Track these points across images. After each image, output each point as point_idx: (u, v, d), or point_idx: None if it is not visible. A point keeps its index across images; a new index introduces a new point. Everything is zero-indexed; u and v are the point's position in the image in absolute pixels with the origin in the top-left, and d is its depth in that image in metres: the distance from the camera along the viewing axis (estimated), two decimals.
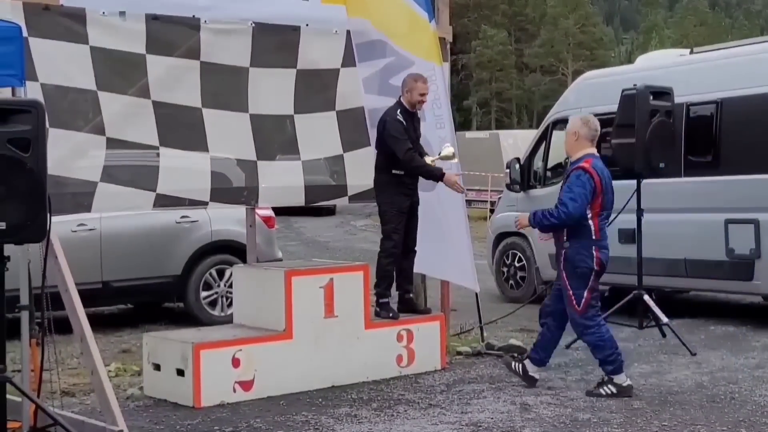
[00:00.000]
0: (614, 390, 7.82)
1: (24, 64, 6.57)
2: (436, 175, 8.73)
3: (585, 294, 7.88)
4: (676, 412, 7.29)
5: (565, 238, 7.91)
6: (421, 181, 9.05)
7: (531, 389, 8.09)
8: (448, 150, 8.88)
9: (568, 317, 8.03)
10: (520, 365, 8.23)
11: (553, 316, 8.14)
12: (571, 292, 7.88)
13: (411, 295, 9.19)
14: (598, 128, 8.15)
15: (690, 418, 7.12)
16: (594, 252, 7.85)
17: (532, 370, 8.21)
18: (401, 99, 8.86)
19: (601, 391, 7.85)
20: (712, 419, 7.07)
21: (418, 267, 9.44)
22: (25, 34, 6.88)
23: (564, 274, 7.93)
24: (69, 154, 7.79)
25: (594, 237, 7.86)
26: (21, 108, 6.00)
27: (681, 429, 6.82)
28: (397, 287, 9.16)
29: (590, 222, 7.83)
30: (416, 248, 9.05)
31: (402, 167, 8.71)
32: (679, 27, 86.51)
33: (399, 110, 8.79)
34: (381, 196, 8.90)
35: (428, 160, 8.82)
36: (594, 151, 8.04)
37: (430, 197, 9.32)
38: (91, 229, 10.98)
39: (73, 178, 7.82)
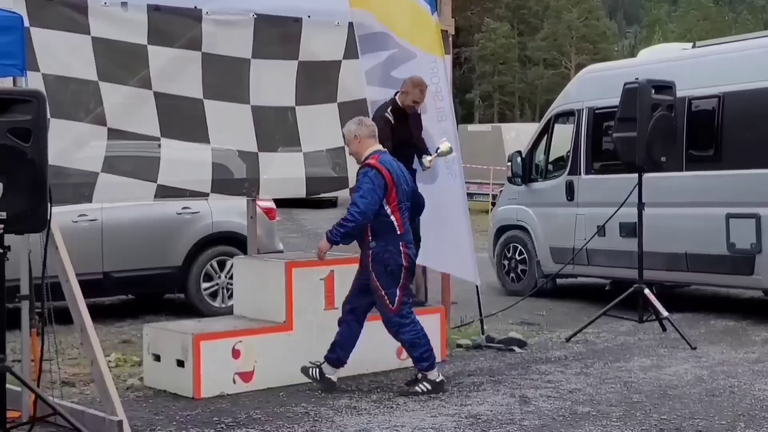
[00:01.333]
0: (429, 387, 7.74)
1: (25, 54, 6.57)
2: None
3: (397, 292, 7.72)
4: (675, 406, 7.29)
5: (370, 238, 7.72)
6: (422, 174, 9.05)
7: (531, 382, 8.10)
8: (444, 146, 8.85)
9: (381, 318, 7.85)
10: (317, 370, 7.88)
11: (353, 313, 7.90)
12: (383, 293, 7.70)
13: (411, 286, 9.17)
14: (374, 125, 8.05)
15: (689, 411, 7.12)
16: (401, 248, 7.72)
17: (330, 372, 7.88)
18: (396, 97, 8.87)
19: (417, 389, 7.75)
20: (712, 413, 7.08)
21: (419, 259, 9.41)
22: (26, 24, 6.89)
23: (373, 275, 7.71)
24: (70, 144, 7.77)
25: (398, 232, 7.73)
26: (22, 98, 6.01)
27: (680, 422, 6.82)
28: None
29: (392, 218, 7.70)
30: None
31: None
32: (683, 21, 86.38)
33: (390, 108, 8.82)
34: None
35: (426, 160, 8.79)
36: (379, 147, 7.91)
37: (432, 190, 9.31)
38: (92, 220, 10.98)
39: (74, 169, 7.81)
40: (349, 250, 8.28)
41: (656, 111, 10.08)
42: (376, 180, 7.63)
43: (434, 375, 7.81)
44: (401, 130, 8.82)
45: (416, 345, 7.81)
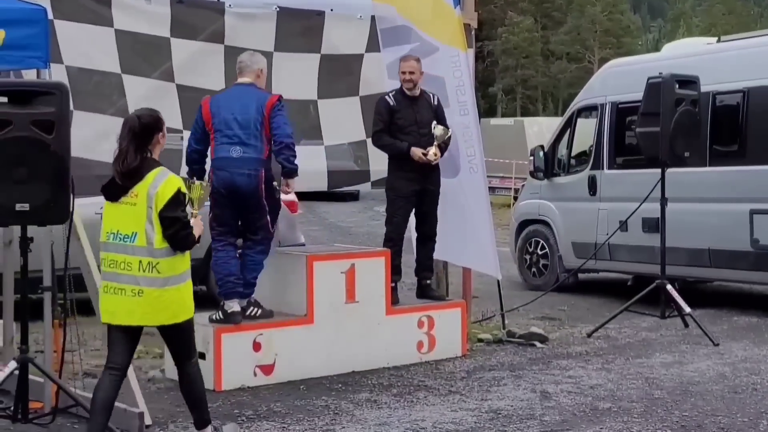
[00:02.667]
0: (221, 316, 7.80)
1: (49, 47, 6.62)
2: (404, 151, 8.71)
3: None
4: (697, 403, 7.26)
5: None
6: (444, 167, 9.03)
7: (551, 377, 8.07)
8: (438, 130, 8.74)
9: None
10: (219, 313, 7.84)
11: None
12: None
13: (428, 281, 9.18)
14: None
15: (711, 408, 7.09)
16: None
17: (228, 306, 7.88)
18: None
19: (212, 316, 7.85)
20: (734, 410, 7.04)
21: (441, 254, 9.43)
22: (50, 16, 6.91)
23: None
24: (93, 136, 7.80)
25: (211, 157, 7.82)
26: (45, 90, 6.05)
27: (702, 419, 6.79)
28: (415, 273, 9.17)
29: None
30: (438, 235, 9.03)
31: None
32: (708, 15, 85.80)
33: (393, 92, 8.83)
34: (387, 181, 8.94)
35: (431, 150, 8.71)
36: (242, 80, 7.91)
37: (453, 184, 9.31)
38: None
39: (96, 161, 7.82)
40: (370, 242, 8.26)
41: (680, 106, 10.02)
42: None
43: (228, 306, 7.82)
44: (402, 113, 8.77)
45: (215, 271, 8.01)
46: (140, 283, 5.54)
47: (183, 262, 5.75)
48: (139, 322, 5.66)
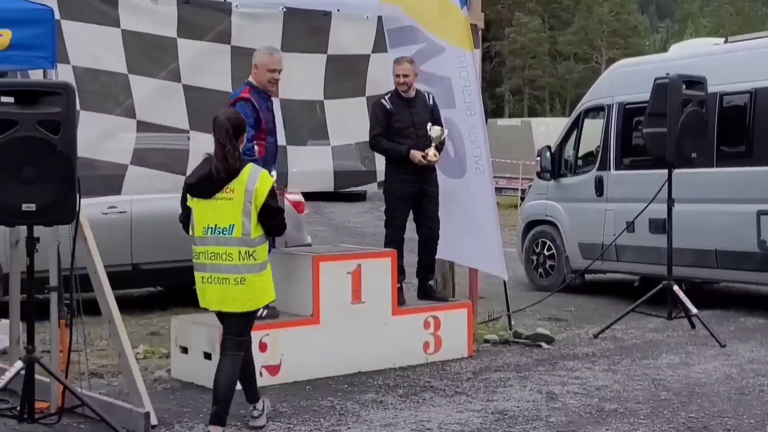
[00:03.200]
0: None
1: (55, 47, 6.62)
2: (403, 154, 8.70)
3: None
4: (703, 404, 7.24)
5: None
6: (449, 168, 9.02)
7: (558, 378, 8.06)
8: (434, 131, 8.73)
9: None
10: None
11: None
12: None
13: (431, 283, 9.17)
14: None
15: (717, 410, 7.07)
16: None
17: None
18: None
19: None
20: (740, 412, 7.02)
21: (447, 254, 9.43)
22: (57, 16, 6.93)
23: None
24: (99, 136, 7.82)
25: None
26: (52, 90, 6.05)
27: (708, 421, 6.78)
28: (416, 275, 9.17)
29: None
30: (443, 236, 9.02)
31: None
32: (715, 16, 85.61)
33: (389, 95, 8.81)
34: (384, 183, 8.98)
35: (430, 152, 8.69)
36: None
37: (460, 184, 9.30)
38: (121, 212, 11.02)
39: (103, 161, 7.86)
40: (377, 242, 8.27)
41: (687, 106, 10.00)
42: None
43: None
44: (399, 115, 8.76)
45: None
46: (241, 271, 6.07)
47: (267, 249, 6.30)
48: (242, 308, 6.20)
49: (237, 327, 6.30)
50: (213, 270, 6.11)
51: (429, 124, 8.76)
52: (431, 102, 8.96)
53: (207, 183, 6.08)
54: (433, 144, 8.72)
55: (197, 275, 6.19)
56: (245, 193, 6.02)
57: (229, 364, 6.29)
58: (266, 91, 8.02)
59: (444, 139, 8.82)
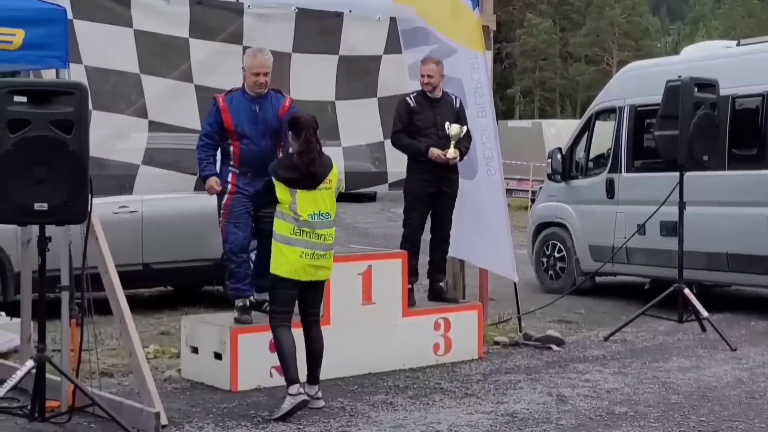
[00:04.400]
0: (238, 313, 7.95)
1: (68, 47, 6.64)
2: (422, 151, 8.70)
3: None
4: (714, 408, 7.22)
5: None
6: (462, 169, 9.01)
7: (568, 381, 8.05)
8: (452, 128, 8.71)
9: None
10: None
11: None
12: None
13: (441, 284, 9.16)
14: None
15: (728, 414, 7.05)
16: None
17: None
18: None
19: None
20: (751, 416, 7.00)
21: (458, 254, 9.41)
22: (69, 16, 6.93)
23: None
24: (111, 136, 7.84)
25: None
26: (64, 90, 6.07)
27: (719, 425, 6.76)
28: (427, 275, 9.17)
29: None
30: (455, 237, 9.02)
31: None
32: (727, 18, 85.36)
33: (415, 93, 8.82)
34: (405, 182, 8.97)
35: (450, 151, 8.68)
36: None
37: (471, 185, 9.29)
38: (132, 212, 11.05)
39: (114, 161, 7.87)
40: (387, 243, 8.24)
41: (699, 109, 9.98)
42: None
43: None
44: (422, 114, 8.76)
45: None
46: (332, 247, 7.20)
47: None
48: (327, 276, 7.26)
49: (321, 294, 7.38)
50: (320, 248, 7.03)
51: (447, 123, 8.75)
52: (458, 105, 8.97)
53: (310, 177, 6.98)
54: (452, 142, 8.71)
55: (295, 250, 6.94)
56: (337, 182, 7.20)
57: (318, 328, 7.27)
58: (254, 93, 7.73)
59: (464, 136, 8.80)
